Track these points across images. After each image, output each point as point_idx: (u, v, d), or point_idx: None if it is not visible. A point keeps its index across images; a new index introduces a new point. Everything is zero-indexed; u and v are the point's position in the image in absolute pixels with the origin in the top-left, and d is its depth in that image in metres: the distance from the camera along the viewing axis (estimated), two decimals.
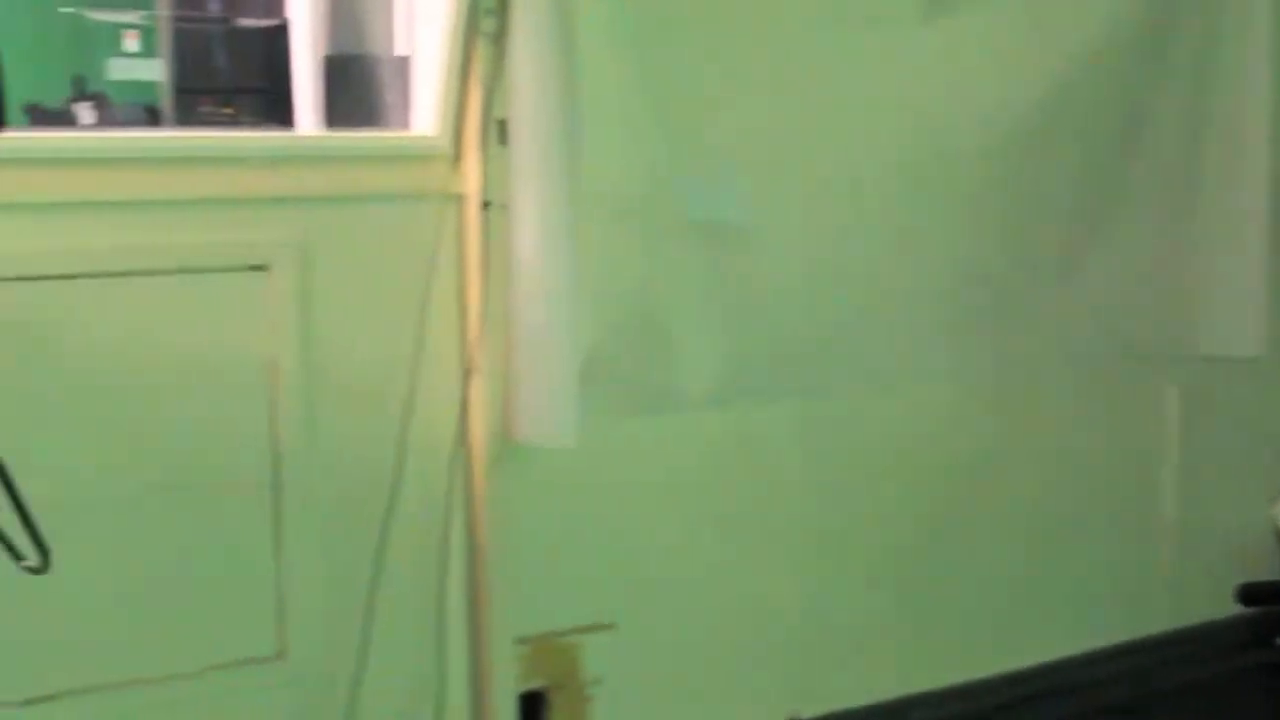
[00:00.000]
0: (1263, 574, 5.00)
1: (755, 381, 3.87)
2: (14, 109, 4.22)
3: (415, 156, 3.55)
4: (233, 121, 4.01)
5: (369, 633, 3.48)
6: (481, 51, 3.50)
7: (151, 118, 4.36)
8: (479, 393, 3.56)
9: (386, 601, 3.50)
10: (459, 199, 3.55)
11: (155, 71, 4.36)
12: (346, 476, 3.46)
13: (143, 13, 4.68)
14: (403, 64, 3.83)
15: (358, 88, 3.92)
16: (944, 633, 4.39)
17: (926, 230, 4.06)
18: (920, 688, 4.34)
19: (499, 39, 3.47)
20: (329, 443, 3.42)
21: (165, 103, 4.35)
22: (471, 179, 3.53)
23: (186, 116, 4.11)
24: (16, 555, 1.97)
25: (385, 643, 3.51)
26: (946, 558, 4.38)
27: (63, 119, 4.24)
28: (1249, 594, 4.91)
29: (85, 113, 4.21)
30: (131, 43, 4.41)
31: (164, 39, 4.68)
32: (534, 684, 3.77)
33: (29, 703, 3.10)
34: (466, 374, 3.56)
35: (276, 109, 3.95)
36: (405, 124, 3.71)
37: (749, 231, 3.83)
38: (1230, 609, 4.96)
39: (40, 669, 3.11)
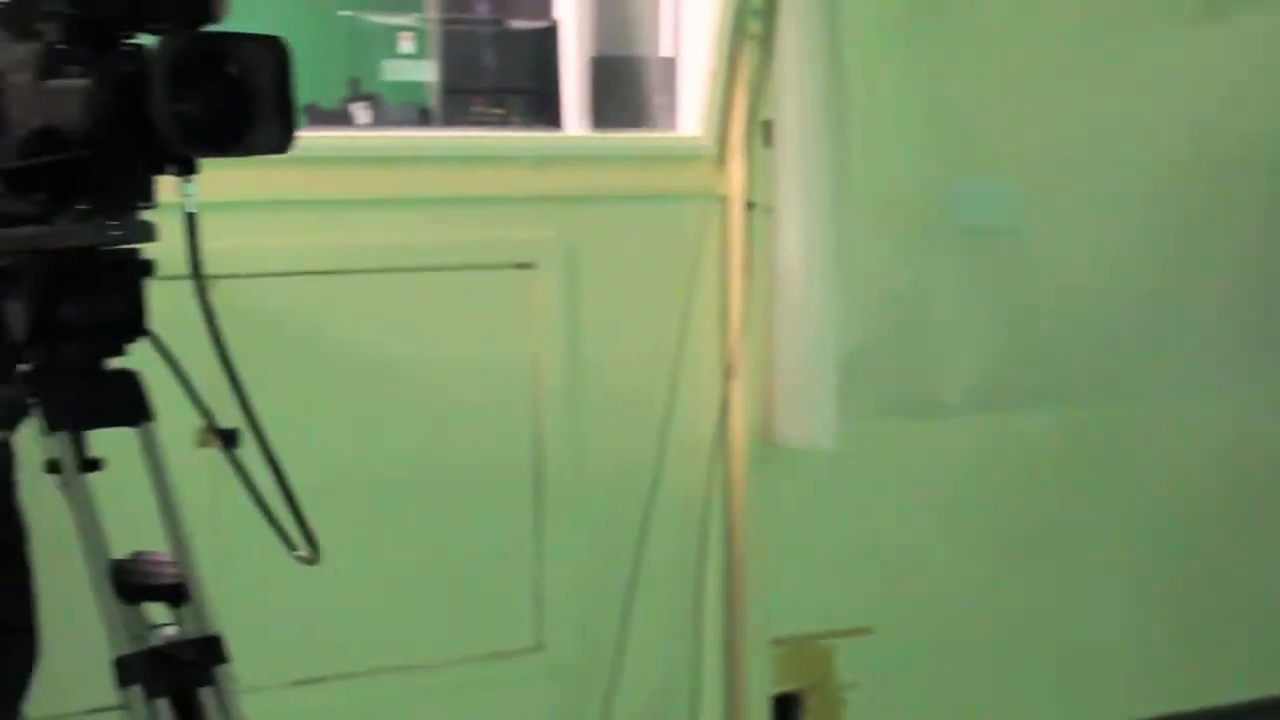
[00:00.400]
0: None
1: (1019, 388, 3.80)
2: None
3: (680, 157, 3.57)
4: (502, 122, 4.08)
5: (626, 628, 3.51)
6: (748, 53, 3.50)
7: (423, 118, 4.46)
8: (739, 393, 3.57)
9: (644, 597, 3.53)
10: (723, 200, 3.56)
11: (428, 72, 4.46)
12: (606, 473, 3.49)
13: (416, 15, 4.79)
14: (668, 65, 3.86)
15: (624, 89, 3.96)
16: (1216, 651, 4.25)
17: (1206, 236, 3.94)
18: (1185, 707, 4.21)
19: (766, 41, 3.47)
20: (590, 439, 3.46)
21: (436, 103, 4.45)
22: (736, 180, 3.54)
23: (457, 116, 4.19)
24: (290, 544, 2.03)
25: (641, 639, 3.54)
26: (1226, 576, 4.22)
27: (339, 119, 4.36)
28: None
29: (361, 113, 4.33)
30: (406, 44, 4.52)
31: (435, 41, 4.79)
32: (788, 686, 3.76)
33: (296, 684, 3.19)
34: (727, 374, 3.56)
35: (545, 109, 4.01)
36: (671, 125, 3.73)
37: (1018, 236, 3.76)
38: None
39: (307, 652, 3.19)
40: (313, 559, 2.03)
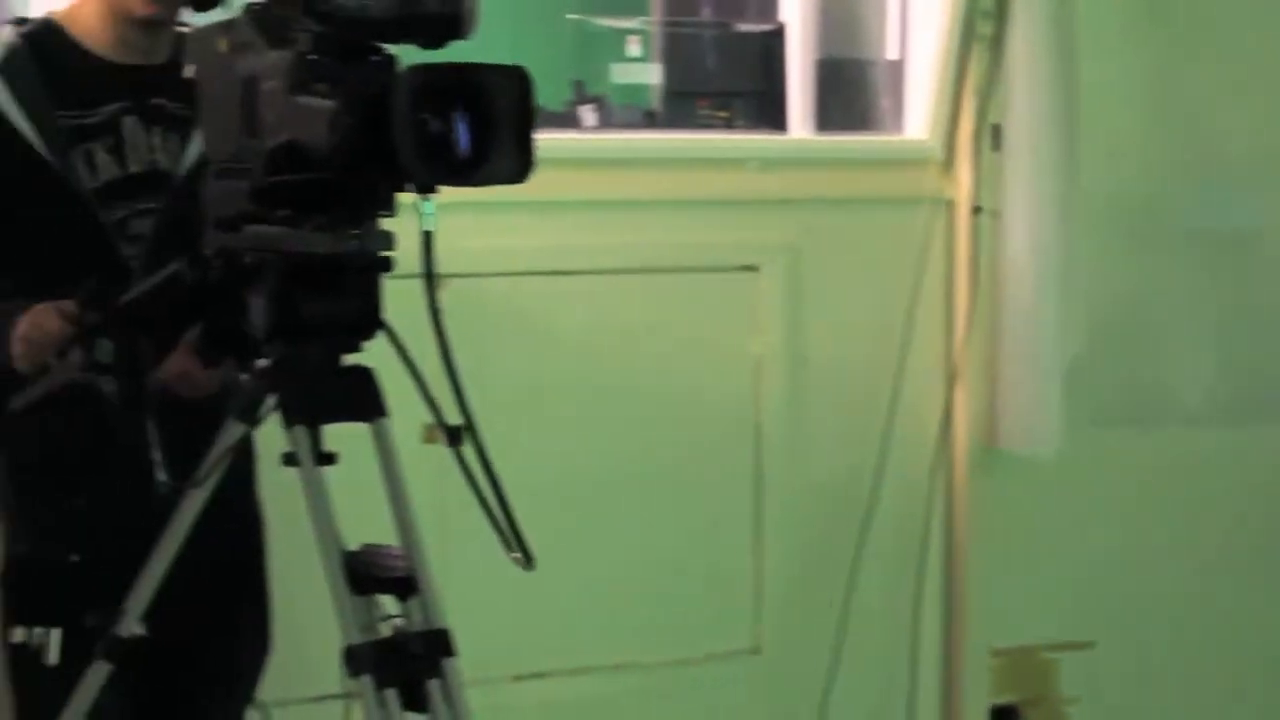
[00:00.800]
0: None
1: (1256, 399, 3.69)
2: None
3: (906, 161, 3.55)
4: (727, 125, 4.07)
5: (843, 633, 3.49)
6: (977, 56, 3.46)
7: (648, 121, 4.49)
8: (963, 398, 3.53)
9: (862, 602, 3.51)
10: (949, 204, 3.53)
11: (654, 75, 4.48)
12: (826, 476, 3.48)
13: (643, 18, 4.82)
14: (895, 68, 3.82)
15: (850, 91, 3.93)
16: None
17: None
18: None
19: (995, 43, 3.43)
20: (811, 442, 3.45)
21: (661, 106, 4.47)
22: (963, 184, 3.50)
23: (682, 119, 4.20)
24: (509, 545, 2.05)
25: (859, 643, 3.52)
26: None
27: (566, 121, 4.40)
28: None
29: (588, 115, 4.36)
30: (634, 48, 4.55)
31: (659, 44, 4.81)
32: (1007, 698, 3.70)
33: (518, 679, 3.25)
34: (951, 379, 3.53)
35: (770, 112, 3.99)
36: (897, 128, 3.70)
37: (1256, 239, 3.66)
38: None
39: (529, 648, 3.25)
40: (528, 565, 2.05)
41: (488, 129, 1.87)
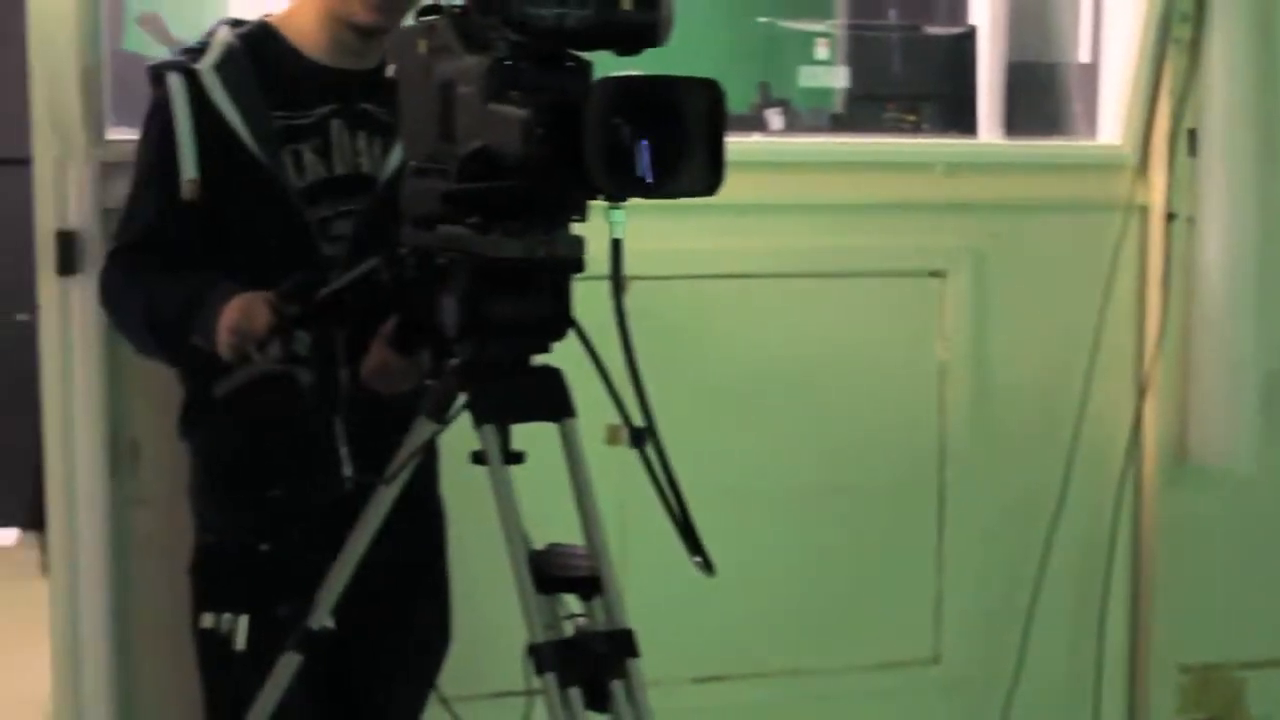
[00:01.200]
0: None
1: None
2: None
3: (1099, 166, 3.49)
4: (914, 128, 4.04)
5: (1026, 644, 3.45)
6: (1173, 59, 3.40)
7: (834, 124, 4.47)
8: (1153, 410, 3.46)
9: (1045, 614, 3.46)
10: (1142, 210, 3.47)
11: (842, 78, 4.47)
12: (1011, 485, 3.44)
13: (832, 21, 4.81)
14: (1087, 71, 3.76)
15: (1040, 95, 3.88)
16: None
17: None
18: None
19: (1193, 46, 3.36)
20: (995, 451, 3.41)
21: (847, 109, 4.45)
22: (1157, 190, 3.44)
23: (868, 123, 4.18)
24: (692, 550, 2.05)
25: (1041, 657, 3.47)
26: None
27: (751, 124, 4.40)
28: None
29: (774, 118, 4.36)
30: (823, 50, 4.54)
31: (846, 46, 4.79)
32: (1194, 716, 3.62)
33: (697, 681, 3.26)
34: (1141, 390, 3.46)
35: (958, 116, 3.96)
36: (1089, 133, 3.64)
37: None
38: None
39: (709, 651, 3.25)
40: (708, 571, 2.05)
41: (679, 141, 1.87)
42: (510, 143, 1.89)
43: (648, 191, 1.88)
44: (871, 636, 3.38)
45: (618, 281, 1.92)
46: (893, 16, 5.04)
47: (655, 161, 1.86)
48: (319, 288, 2.17)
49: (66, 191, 2.82)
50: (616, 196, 1.88)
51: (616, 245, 1.90)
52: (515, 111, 1.89)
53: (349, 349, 2.20)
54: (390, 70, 2.19)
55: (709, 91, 1.89)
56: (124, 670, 2.95)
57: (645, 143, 1.84)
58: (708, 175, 1.90)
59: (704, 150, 1.89)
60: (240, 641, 2.42)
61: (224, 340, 2.22)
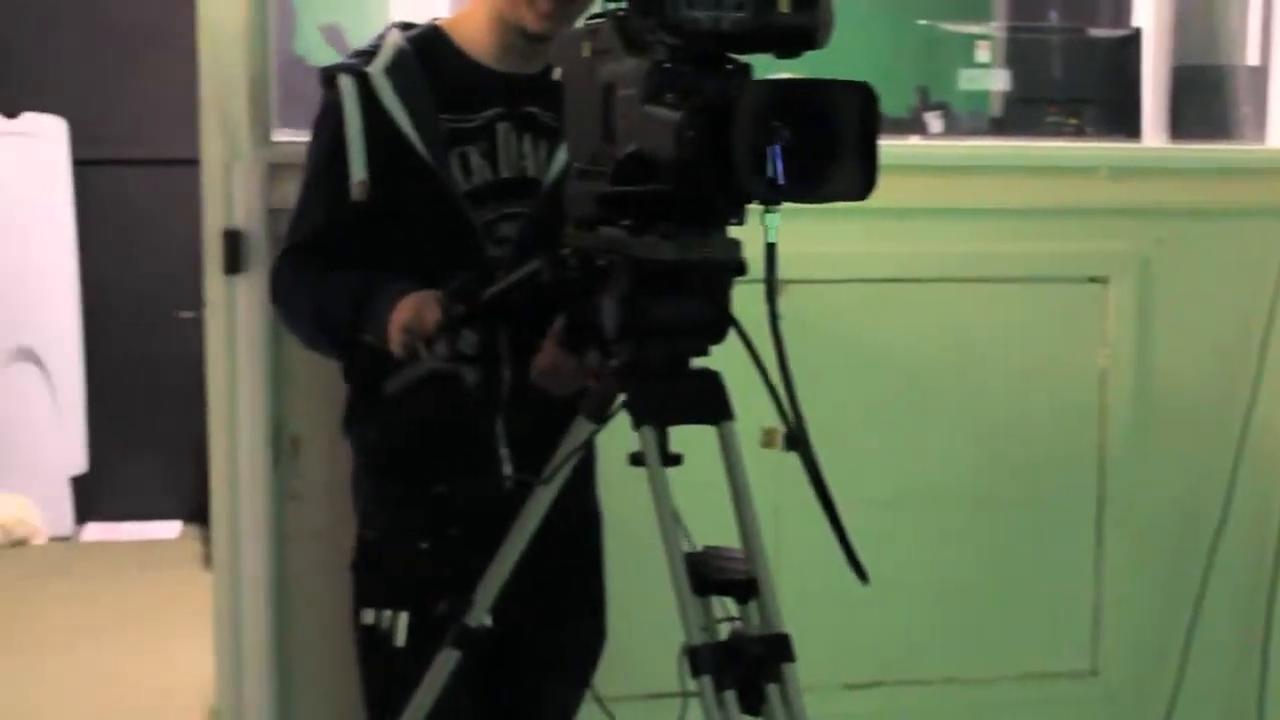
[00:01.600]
0: None
1: None
2: None
3: (1268, 170, 3.42)
4: (1076, 132, 3.99)
5: (1186, 659, 3.39)
6: None
7: (995, 127, 4.42)
8: None
9: (1207, 627, 3.40)
10: None
11: (1003, 81, 4.42)
12: (1173, 495, 3.38)
13: (994, 24, 4.76)
14: (1256, 74, 3.69)
15: (1207, 99, 3.81)
16: None
17: None
18: None
19: None
20: (1157, 460, 3.35)
21: (1008, 112, 4.40)
22: None
23: (1029, 126, 4.13)
24: (850, 557, 2.04)
25: (1202, 671, 3.41)
26: None
27: (909, 127, 4.37)
28: None
29: (933, 121, 4.33)
30: (983, 53, 4.49)
31: (1005, 49, 4.73)
32: None
33: (849, 687, 3.24)
34: None
35: (1122, 120, 3.90)
36: (1257, 137, 3.57)
37: None
38: None
39: (862, 657, 3.23)
40: (863, 580, 2.04)
41: (830, 144, 1.87)
42: (663, 146, 1.90)
43: (797, 196, 1.87)
44: (1028, 646, 3.34)
45: (772, 287, 1.92)
46: (1053, 19, 4.97)
47: (806, 165, 1.86)
48: (485, 287, 2.20)
49: (233, 192, 2.88)
50: (764, 201, 1.87)
51: (771, 250, 1.90)
52: (669, 114, 1.89)
53: (512, 350, 2.22)
54: (556, 74, 2.21)
55: (862, 94, 1.88)
56: (284, 661, 3.00)
57: (777, 148, 1.83)
58: (859, 180, 1.89)
59: (856, 154, 1.88)
60: (400, 638, 2.45)
61: (396, 338, 2.24)
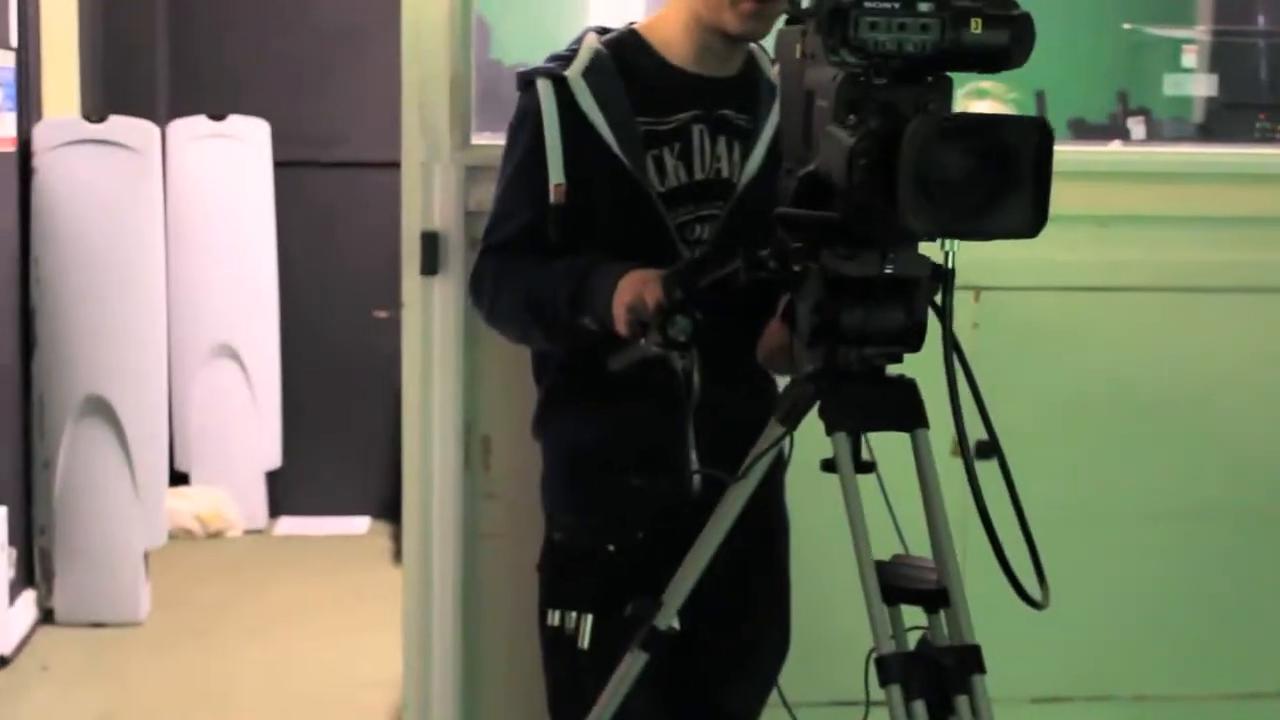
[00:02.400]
0: None
1: None
2: (1060, 123, 4.34)
3: None
4: None
5: None
6: None
7: (1199, 133, 4.33)
8: None
9: None
10: None
11: (1210, 86, 4.32)
12: None
13: (1201, 28, 4.65)
14: None
15: None
16: None
17: None
18: None
19: None
20: None
21: (1212, 117, 4.30)
22: None
23: (1235, 132, 4.03)
24: (1017, 585, 2.01)
25: None
26: None
27: (1106, 133, 4.29)
28: None
29: (1135, 127, 4.25)
30: (1190, 58, 4.40)
31: (1209, 53, 4.63)
32: None
33: (1036, 701, 3.19)
34: None
35: None
36: None
37: None
38: None
39: (1050, 670, 3.19)
40: (1042, 603, 2.00)
41: (1005, 179, 1.84)
42: (837, 170, 1.89)
43: (960, 233, 1.86)
44: (1226, 664, 3.26)
45: (947, 314, 1.91)
46: (1260, 23, 4.85)
47: (980, 198, 1.83)
48: (700, 276, 2.19)
49: (432, 194, 2.92)
50: (921, 237, 1.86)
51: (948, 278, 1.89)
52: (844, 139, 1.88)
53: (703, 355, 2.22)
54: (776, 69, 2.19)
55: (1037, 131, 1.86)
56: (471, 658, 3.04)
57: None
58: (1031, 216, 1.86)
59: (1029, 190, 1.85)
60: (585, 640, 2.46)
61: (622, 316, 2.24)
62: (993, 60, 1.94)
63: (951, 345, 1.98)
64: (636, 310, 2.20)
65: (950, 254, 1.93)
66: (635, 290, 2.23)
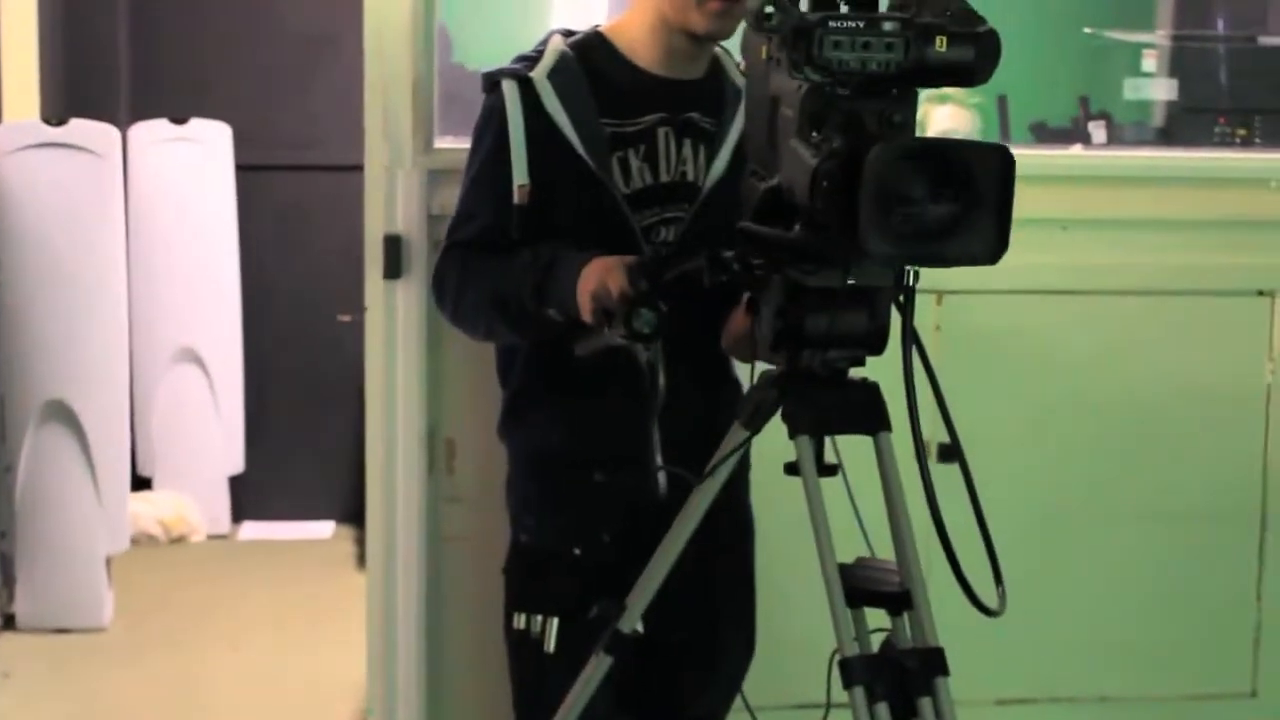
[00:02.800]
0: None
1: None
2: (1021, 127, 4.35)
3: None
4: (1245, 143, 3.90)
5: None
6: None
7: (1159, 137, 4.35)
8: None
9: None
10: None
11: (1170, 91, 4.34)
12: None
13: (1161, 32, 4.67)
14: None
15: None
16: None
17: None
18: None
19: None
20: None
21: (1173, 122, 4.32)
22: None
23: (1195, 136, 4.05)
24: (969, 591, 2.02)
25: None
26: None
27: (1069, 137, 4.31)
28: None
29: (1096, 132, 4.26)
30: (1150, 62, 4.41)
31: (1170, 58, 4.65)
32: None
33: (1000, 703, 3.21)
34: None
35: None
36: None
37: None
38: None
39: (1013, 673, 3.20)
40: (997, 610, 2.01)
41: (967, 206, 1.84)
42: (800, 189, 1.89)
43: (920, 259, 1.87)
44: (1184, 666, 3.28)
45: (909, 334, 1.93)
46: (1220, 27, 4.87)
47: (941, 224, 1.84)
48: (665, 269, 2.19)
49: (395, 198, 2.92)
50: (883, 263, 1.86)
51: (909, 296, 1.90)
52: (808, 159, 1.89)
53: (667, 355, 2.22)
54: (743, 65, 2.19)
55: (999, 158, 1.86)
56: (436, 662, 3.03)
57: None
58: (992, 242, 1.87)
59: (992, 217, 1.86)
60: (550, 644, 2.46)
61: (587, 305, 2.24)
62: (958, 77, 1.94)
63: (911, 363, 1.98)
64: (600, 298, 2.20)
65: (911, 272, 1.93)
66: (599, 278, 2.23)
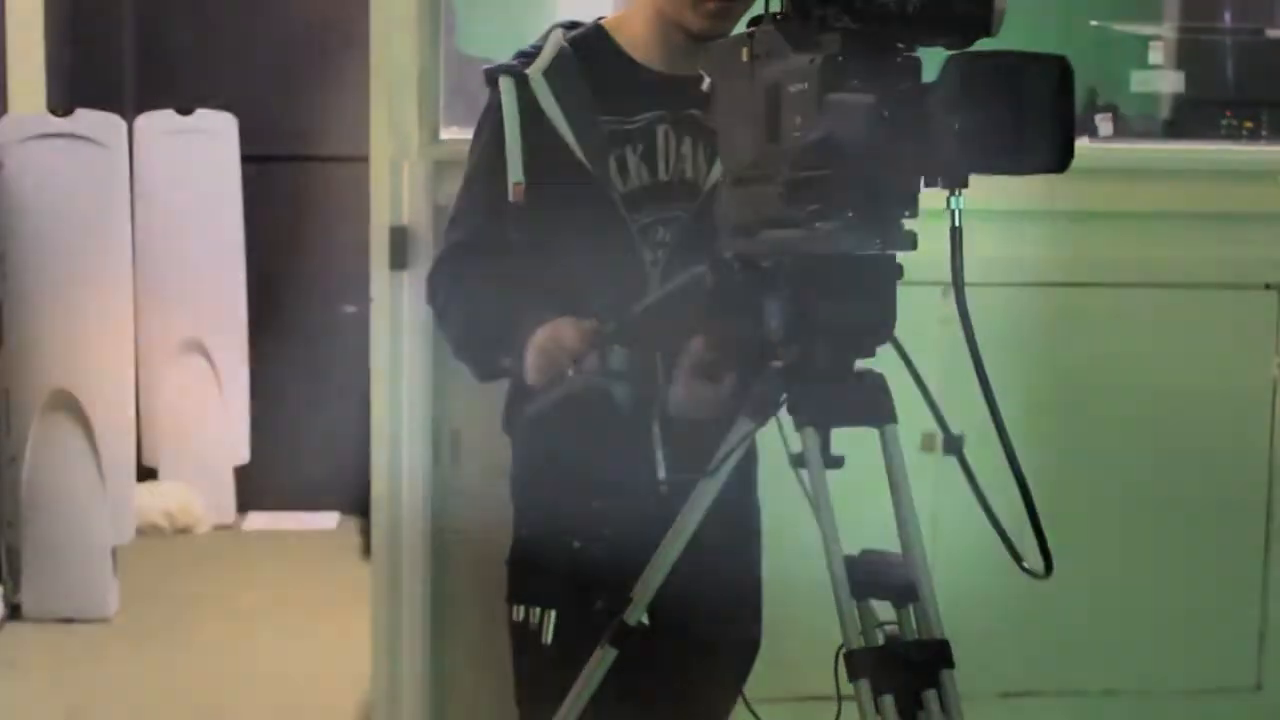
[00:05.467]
0: None
1: None
2: None
3: None
4: (1253, 136, 3.89)
5: None
6: None
7: (1166, 130, 4.33)
8: None
9: None
10: None
11: (1177, 83, 4.32)
12: None
13: (1168, 25, 4.66)
14: None
15: None
16: None
17: None
18: None
19: None
20: None
21: (1179, 115, 4.31)
22: None
23: (1202, 129, 4.04)
24: (1018, 558, 2.02)
25: None
26: None
27: (1078, 129, 4.29)
28: None
29: (1103, 124, 4.25)
30: (1157, 55, 4.40)
31: (1174, 51, 4.63)
32: None
33: (1005, 696, 3.21)
34: None
35: None
36: None
37: None
38: None
39: (1019, 666, 3.20)
40: (1043, 574, 2.01)
41: (1026, 119, 1.85)
42: (854, 129, 1.89)
43: (998, 168, 1.86)
44: (1191, 659, 3.28)
45: (959, 273, 1.91)
46: (1227, 19, 4.86)
47: (1004, 138, 1.84)
48: (636, 299, 2.20)
49: (401, 189, 2.92)
50: (962, 179, 1.86)
51: (957, 235, 1.89)
52: (860, 98, 1.89)
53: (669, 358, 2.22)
54: (705, 84, 2.20)
55: (1057, 68, 1.87)
56: (440, 653, 3.03)
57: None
58: (1056, 153, 1.87)
59: (1053, 128, 1.86)
60: (548, 636, 2.46)
61: (531, 363, 2.27)
62: (976, 27, 1.95)
63: (965, 303, 1.97)
64: (548, 353, 2.22)
65: (956, 212, 1.92)
66: (550, 335, 2.24)
